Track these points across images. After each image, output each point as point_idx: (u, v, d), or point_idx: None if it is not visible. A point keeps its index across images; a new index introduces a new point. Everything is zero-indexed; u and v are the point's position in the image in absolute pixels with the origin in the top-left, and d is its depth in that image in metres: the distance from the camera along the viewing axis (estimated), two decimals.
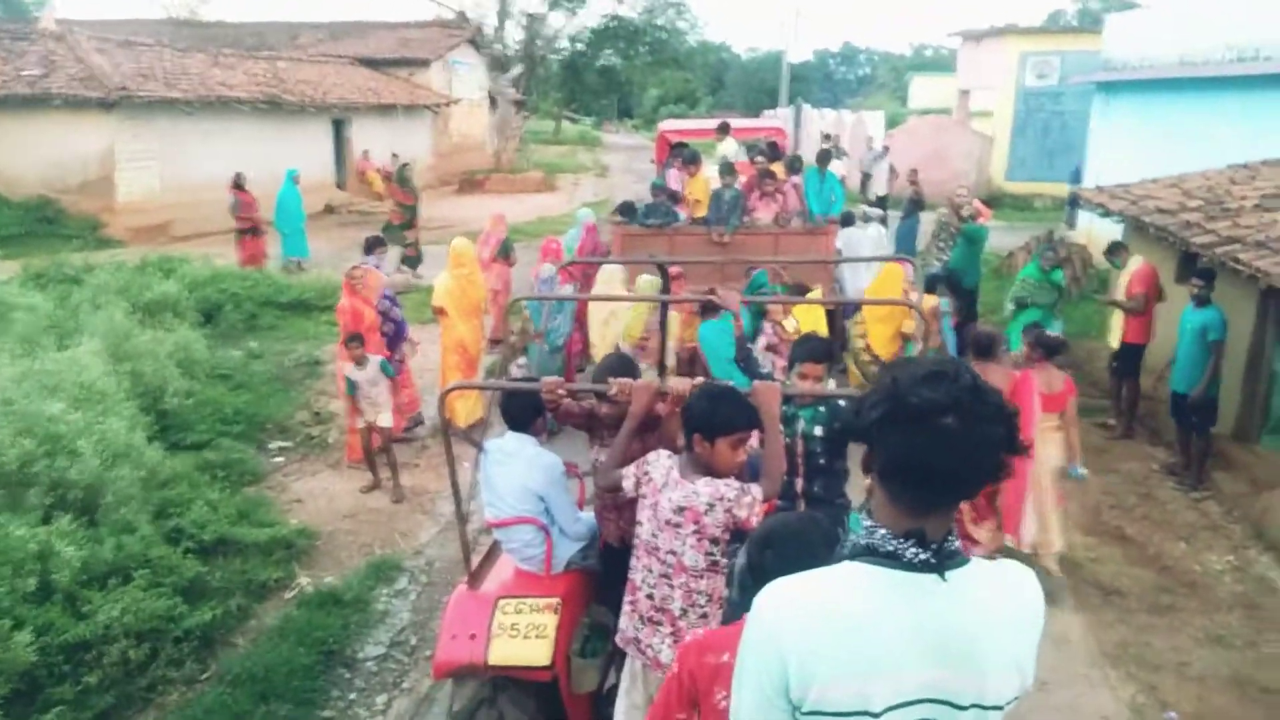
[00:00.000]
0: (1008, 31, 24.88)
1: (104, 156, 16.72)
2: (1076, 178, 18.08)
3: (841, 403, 4.24)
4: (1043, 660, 5.07)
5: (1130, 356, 9.04)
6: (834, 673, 1.62)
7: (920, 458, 1.61)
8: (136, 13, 48.94)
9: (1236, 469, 7.87)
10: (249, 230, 14.99)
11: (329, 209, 21.37)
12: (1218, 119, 12.91)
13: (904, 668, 1.62)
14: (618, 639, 3.67)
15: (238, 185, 14.92)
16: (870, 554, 1.67)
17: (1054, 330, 8.43)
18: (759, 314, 7.64)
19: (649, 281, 8.08)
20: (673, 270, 7.19)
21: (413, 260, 15.15)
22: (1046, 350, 6.36)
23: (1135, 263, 9.23)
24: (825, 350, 4.71)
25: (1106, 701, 5.14)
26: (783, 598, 1.70)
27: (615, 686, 3.85)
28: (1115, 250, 9.75)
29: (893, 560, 1.64)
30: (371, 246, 9.73)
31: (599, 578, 4.25)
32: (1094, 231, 14.97)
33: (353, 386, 7.37)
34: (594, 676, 3.93)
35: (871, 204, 20.27)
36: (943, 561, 1.64)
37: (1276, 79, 11.87)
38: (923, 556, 1.63)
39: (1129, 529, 7.13)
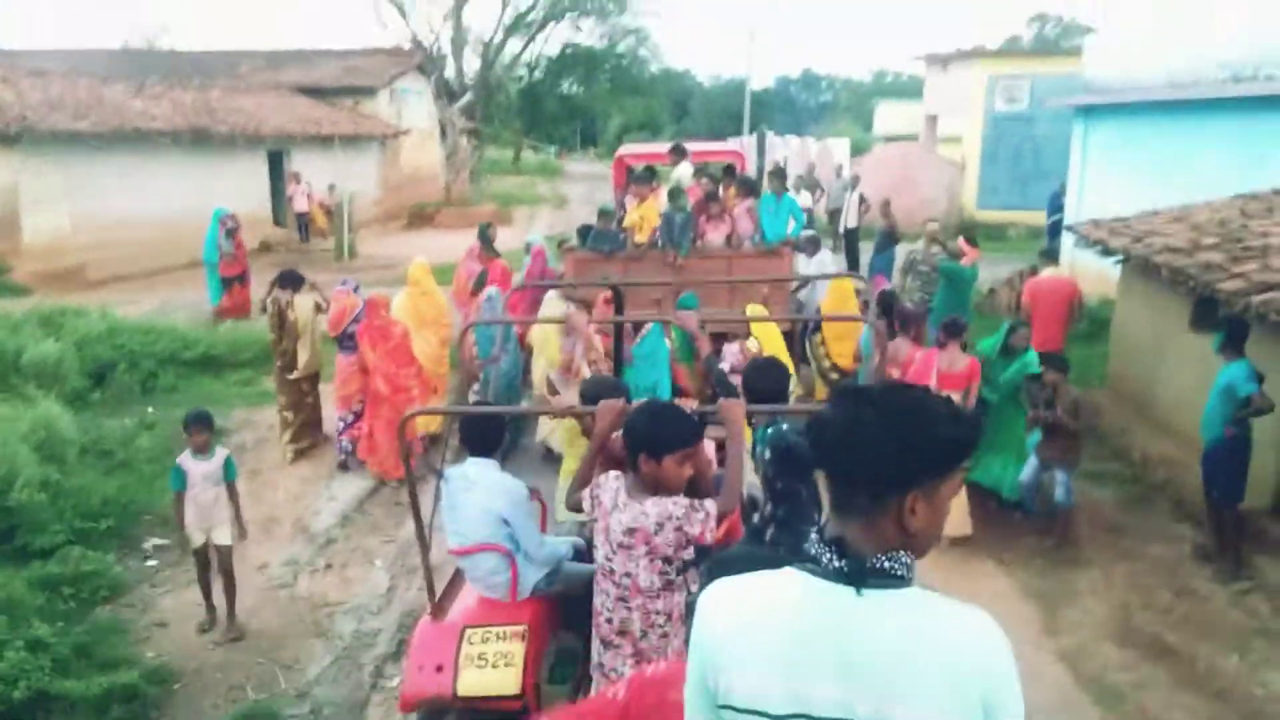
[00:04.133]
0: (975, 54, 24.06)
1: (6, 194, 15.25)
2: (1056, 206, 17.11)
3: (784, 427, 4.05)
4: None
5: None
6: (737, 665, 1.63)
7: (848, 432, 1.59)
8: (88, 42, 47.04)
9: None
10: (238, 277, 13.70)
11: (265, 247, 19.96)
12: (1213, 145, 11.96)
13: (809, 677, 1.58)
14: (590, 665, 3.60)
15: (230, 226, 13.69)
16: (801, 559, 1.65)
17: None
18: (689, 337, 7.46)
19: (566, 308, 7.62)
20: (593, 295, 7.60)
21: None
22: (950, 331, 7.10)
23: (1045, 273, 9.83)
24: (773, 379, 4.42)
25: None
26: (712, 593, 1.74)
27: None
28: (1042, 258, 10.50)
29: (815, 566, 1.62)
30: (292, 282, 8.81)
31: (565, 603, 4.17)
32: (1077, 264, 13.93)
33: (181, 479, 5.77)
34: (565, 703, 3.73)
35: (839, 236, 19.33)
36: (860, 574, 1.58)
37: (1277, 100, 10.94)
38: (837, 565, 1.59)
39: (1169, 638, 5.94)
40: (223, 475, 5.85)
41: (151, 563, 6.92)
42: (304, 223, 21.57)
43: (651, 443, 3.23)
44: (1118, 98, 14.27)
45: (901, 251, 14.87)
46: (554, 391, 7.06)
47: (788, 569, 1.66)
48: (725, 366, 7.25)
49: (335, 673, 5.67)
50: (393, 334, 8.28)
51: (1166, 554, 7.05)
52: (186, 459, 5.78)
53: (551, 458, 7.90)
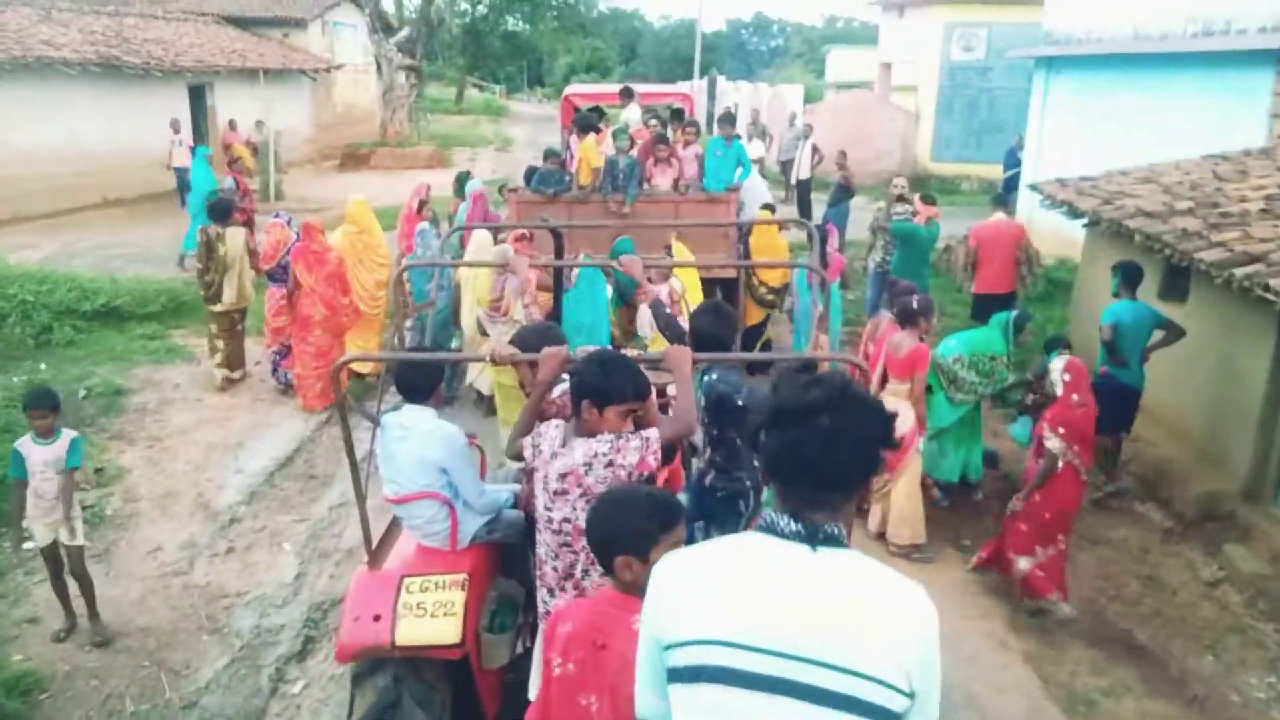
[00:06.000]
0: (932, 1, 23.39)
1: None
2: (1013, 160, 16.71)
3: (713, 376, 4.12)
4: None
5: (979, 306, 9.45)
6: (687, 609, 1.69)
7: (797, 455, 1.69)
8: None
9: (1253, 539, 6.38)
10: (244, 225, 12.46)
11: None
12: (1180, 101, 11.54)
13: (760, 619, 1.63)
14: (535, 614, 3.59)
15: (234, 165, 12.50)
16: (759, 528, 1.74)
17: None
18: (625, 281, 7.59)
19: (500, 249, 7.51)
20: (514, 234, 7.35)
21: None
22: (905, 316, 6.36)
23: (993, 218, 9.84)
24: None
25: None
26: (667, 561, 1.82)
27: (523, 659, 3.75)
28: (991, 204, 10.69)
29: (771, 530, 1.71)
30: (221, 213, 8.84)
31: (504, 551, 4.13)
32: (1033, 221, 13.52)
33: (20, 467, 4.94)
34: (504, 651, 3.84)
35: (791, 187, 18.77)
36: (815, 536, 1.68)
37: (1247, 56, 10.51)
38: (794, 527, 1.69)
39: (1140, 635, 5.56)
40: (66, 461, 5.00)
41: (29, 545, 6.16)
42: (184, 181, 16.70)
43: (598, 393, 3.16)
44: (1080, 49, 13.80)
45: (854, 206, 14.41)
46: (483, 332, 6.87)
47: (742, 534, 1.79)
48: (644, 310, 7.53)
49: (229, 677, 5.04)
50: (328, 259, 8.27)
51: (1133, 537, 6.69)
52: (26, 443, 4.98)
53: (482, 401, 8.29)
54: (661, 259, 8.06)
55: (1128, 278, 7.03)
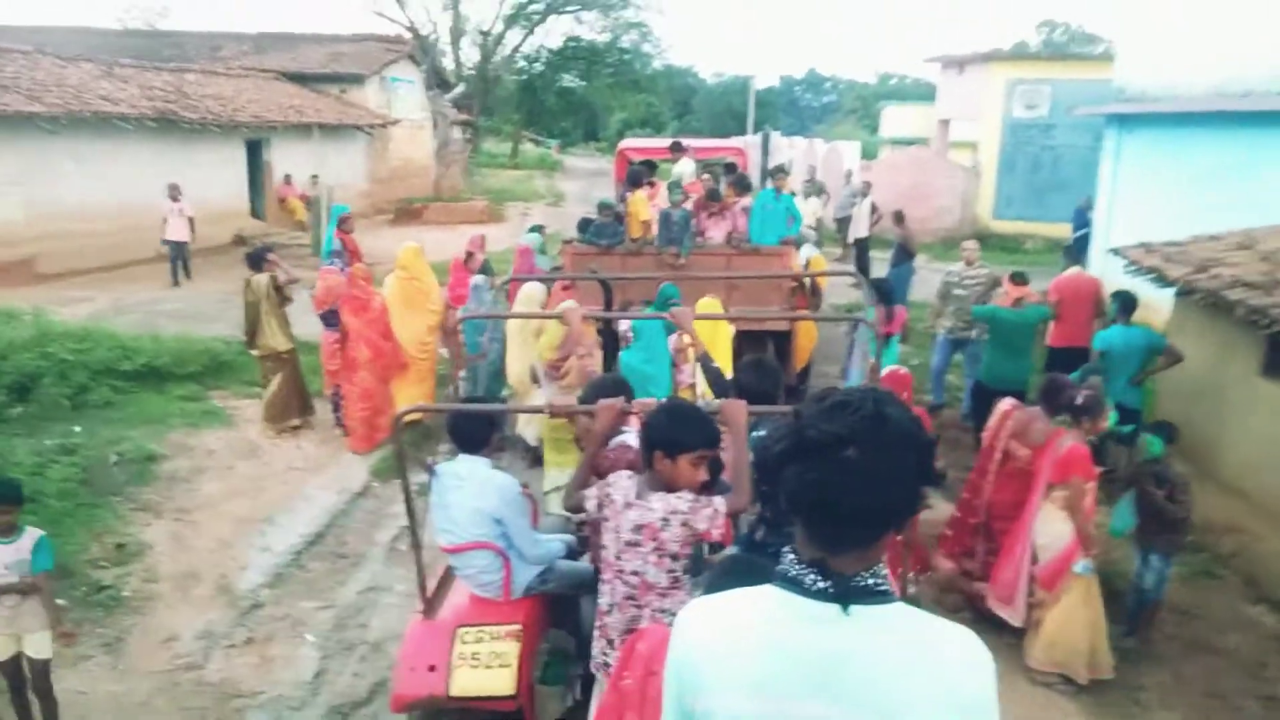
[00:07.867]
0: (993, 58, 22.92)
1: None
2: (1082, 221, 16.04)
3: (761, 432, 3.87)
4: None
5: (1054, 359, 9.25)
6: (717, 686, 1.56)
7: (820, 493, 1.50)
8: (91, 22, 45.16)
9: None
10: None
11: (240, 240, 18.79)
12: (1267, 162, 10.87)
13: (790, 695, 1.51)
14: (591, 664, 3.53)
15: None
16: (782, 579, 1.58)
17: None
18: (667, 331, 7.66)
19: (568, 305, 7.12)
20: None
21: None
22: (1080, 411, 5.55)
23: (1070, 272, 9.79)
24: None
25: None
26: (693, 611, 1.70)
27: (575, 712, 3.76)
28: (1066, 256, 10.94)
29: (796, 586, 1.55)
30: (251, 260, 9.07)
31: (556, 602, 4.15)
32: (1104, 282, 12.81)
33: None
34: (557, 703, 3.83)
35: (849, 246, 18.30)
36: (846, 594, 1.51)
37: None
38: (821, 585, 1.52)
39: None
40: (30, 566, 4.41)
41: None
42: (181, 254, 15.52)
43: (668, 442, 3.22)
44: (1156, 107, 13.18)
45: (915, 266, 13.84)
46: (534, 380, 6.85)
47: (768, 587, 1.60)
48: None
49: None
50: (372, 305, 8.54)
51: (1244, 646, 5.97)
52: None
53: (528, 451, 8.20)
54: (712, 312, 7.74)
55: (1124, 305, 8.01)
